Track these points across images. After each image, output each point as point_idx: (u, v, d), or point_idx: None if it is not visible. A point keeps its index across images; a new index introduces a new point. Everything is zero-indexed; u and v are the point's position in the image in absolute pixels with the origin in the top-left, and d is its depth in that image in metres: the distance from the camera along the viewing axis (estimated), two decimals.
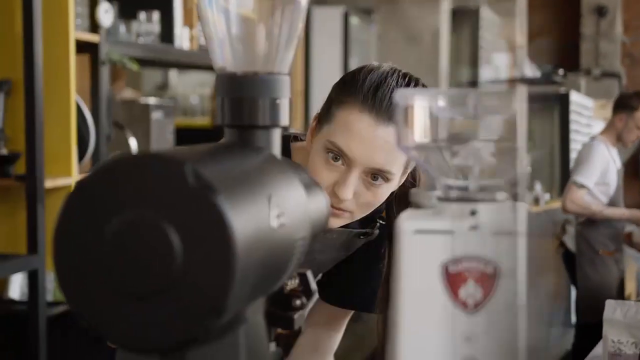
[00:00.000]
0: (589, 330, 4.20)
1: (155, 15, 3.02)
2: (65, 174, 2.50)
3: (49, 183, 2.40)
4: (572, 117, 6.79)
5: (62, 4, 2.46)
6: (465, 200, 0.70)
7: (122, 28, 2.92)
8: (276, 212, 0.70)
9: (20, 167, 2.39)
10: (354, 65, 6.10)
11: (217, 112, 0.83)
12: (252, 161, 0.75)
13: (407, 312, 0.69)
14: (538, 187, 6.17)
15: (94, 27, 2.65)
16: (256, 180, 0.70)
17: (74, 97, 2.49)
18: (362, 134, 1.23)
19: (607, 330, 1.91)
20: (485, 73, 5.15)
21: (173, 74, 5.78)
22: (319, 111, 1.33)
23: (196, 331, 0.62)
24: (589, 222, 4.27)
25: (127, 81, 3.82)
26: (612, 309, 2.00)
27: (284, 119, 0.83)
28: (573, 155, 6.99)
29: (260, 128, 0.81)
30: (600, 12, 9.18)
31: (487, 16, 7.42)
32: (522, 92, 0.68)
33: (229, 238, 0.60)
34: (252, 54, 0.83)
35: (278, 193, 0.72)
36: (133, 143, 2.92)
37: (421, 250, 0.69)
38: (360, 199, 1.26)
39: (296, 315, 0.84)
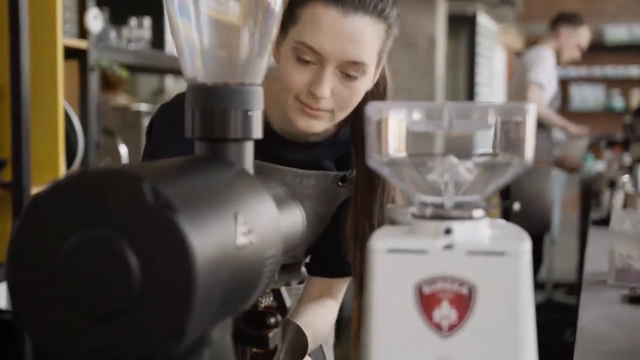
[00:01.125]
0: None
1: (146, 21, 2.99)
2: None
3: (35, 191, 2.36)
4: (478, 39, 6.93)
5: (50, 9, 2.43)
6: (440, 217, 0.68)
7: (113, 34, 2.89)
8: (243, 229, 0.67)
9: (6, 175, 2.36)
10: None
11: (187, 124, 0.80)
12: (220, 176, 0.72)
13: (379, 334, 0.66)
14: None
15: (83, 33, 2.62)
16: (222, 197, 0.67)
17: (62, 103, 2.46)
18: (330, 27, 1.20)
19: (614, 243, 1.78)
20: None
21: (169, 80, 5.76)
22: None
23: (156, 355, 0.59)
24: None
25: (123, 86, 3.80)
26: (620, 220, 1.86)
27: (257, 131, 0.80)
28: (479, 79, 7.19)
29: (231, 141, 0.78)
30: None
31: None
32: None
33: (188, 258, 0.58)
34: (223, 64, 0.80)
35: (246, 210, 0.69)
36: (123, 150, 2.89)
37: (394, 270, 0.66)
38: (338, 97, 1.23)
39: (271, 334, 0.81)
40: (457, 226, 0.67)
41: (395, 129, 0.69)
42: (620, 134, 5.50)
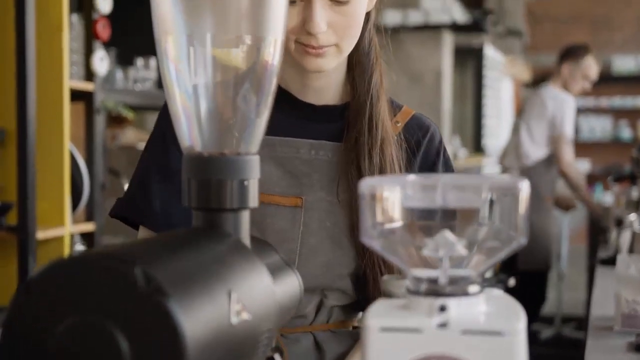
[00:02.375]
0: (527, 278, 4.22)
1: (153, 61, 3.01)
2: (59, 224, 2.47)
3: (41, 234, 2.37)
4: (485, 71, 6.97)
5: (57, 52, 2.45)
6: (434, 294, 0.67)
7: (119, 74, 2.91)
8: (237, 307, 0.67)
9: (12, 218, 2.36)
10: None
11: (184, 193, 0.80)
12: (214, 250, 0.72)
13: None
14: (457, 141, 6.26)
15: (90, 75, 2.64)
16: (216, 275, 0.67)
17: (68, 146, 2.48)
18: None
19: (620, 288, 1.74)
20: (415, 15, 5.20)
21: None
22: None
23: None
24: (536, 169, 4.36)
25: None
26: (625, 265, 1.83)
27: (253, 200, 0.80)
28: (486, 111, 7.22)
29: (227, 211, 0.78)
30: None
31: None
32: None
33: (180, 344, 0.57)
34: (220, 133, 0.80)
35: (240, 286, 0.69)
36: None
37: (389, 349, 0.66)
38: (336, 27, 1.15)
39: None
40: (452, 303, 0.66)
41: (388, 204, 0.69)
42: (628, 165, 5.50)
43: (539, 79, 10.01)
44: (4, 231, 2.35)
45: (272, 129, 1.25)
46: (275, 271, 0.79)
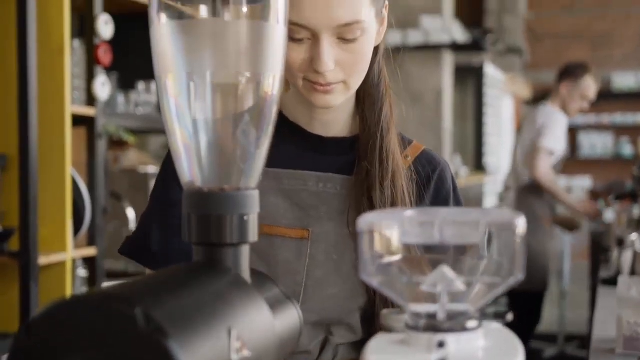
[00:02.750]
0: (524, 299, 4.19)
1: (154, 85, 3.03)
2: (61, 250, 2.47)
3: (43, 260, 2.37)
4: (486, 89, 6.99)
5: (59, 77, 2.47)
6: (433, 329, 0.68)
7: (121, 98, 2.93)
8: (237, 344, 0.67)
9: (14, 243, 2.37)
10: None
11: (184, 229, 0.81)
12: (213, 288, 0.72)
13: None
14: (458, 160, 6.27)
15: (91, 100, 2.65)
16: (216, 312, 0.68)
17: (70, 171, 2.49)
18: None
19: (621, 310, 1.73)
20: (415, 35, 5.20)
21: None
22: None
23: None
24: (531, 189, 4.33)
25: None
26: (627, 287, 1.82)
27: (253, 234, 0.81)
28: (487, 129, 7.22)
29: (227, 246, 0.79)
30: None
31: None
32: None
33: None
34: (220, 168, 0.81)
35: (240, 322, 0.69)
36: (131, 214, 2.90)
37: None
38: (344, 65, 1.14)
39: None
40: (450, 339, 0.67)
41: (386, 240, 0.69)
42: (629, 181, 5.49)
43: (540, 96, 10.04)
44: (6, 257, 2.35)
45: (280, 161, 1.25)
46: (275, 305, 0.79)
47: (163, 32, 0.78)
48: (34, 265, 2.30)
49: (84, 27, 2.71)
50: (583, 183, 10.17)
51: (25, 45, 2.34)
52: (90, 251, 2.68)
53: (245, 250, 0.80)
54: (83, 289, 2.81)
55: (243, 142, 0.82)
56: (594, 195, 9.95)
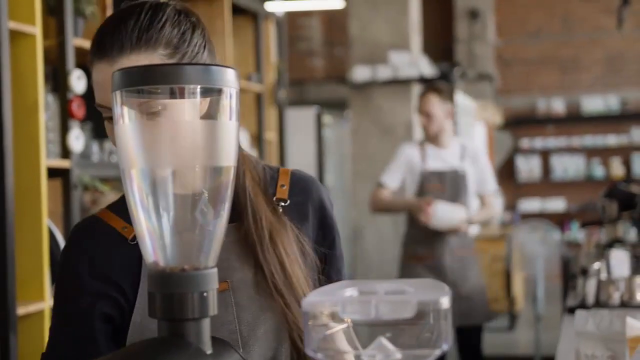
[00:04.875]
0: (465, 334, 4.15)
1: None
2: (39, 299, 2.54)
3: (21, 310, 2.43)
4: (457, 118, 7.12)
5: (34, 132, 2.54)
6: None
7: (95, 147, 3.00)
8: None
9: None
10: (329, 162, 6.24)
11: (150, 306, 0.89)
12: None
13: None
14: None
15: (66, 152, 2.73)
16: None
17: (46, 222, 2.55)
18: (103, 79, 1.17)
19: (579, 343, 1.79)
20: (384, 71, 5.23)
21: None
22: None
23: None
24: (408, 232, 4.14)
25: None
26: (584, 320, 1.89)
27: (213, 308, 0.89)
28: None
29: (189, 321, 0.87)
30: (473, 15, 9.53)
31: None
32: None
33: None
34: (181, 250, 0.90)
35: None
36: None
37: None
38: None
39: None
40: None
41: (328, 318, 0.78)
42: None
43: (512, 121, 10.26)
44: None
45: None
46: None
47: (126, 130, 0.87)
48: (12, 316, 2.36)
49: (57, 82, 2.79)
50: (557, 205, 10.34)
51: (1, 101, 2.42)
52: None
53: (205, 323, 0.89)
54: None
55: (201, 224, 0.91)
56: (566, 217, 10.11)
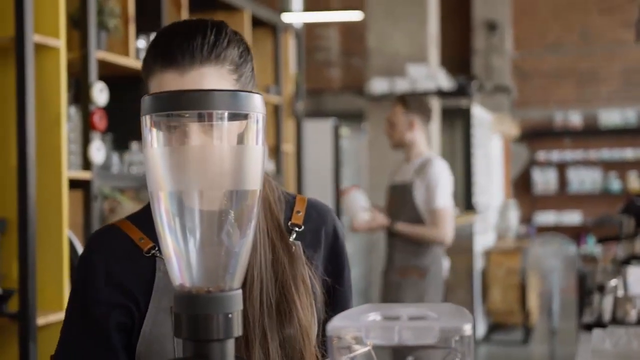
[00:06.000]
0: None
1: None
2: (59, 309, 2.56)
3: (41, 320, 2.46)
4: (473, 131, 7.11)
5: (56, 144, 2.57)
6: None
7: (115, 159, 3.03)
8: None
9: (13, 305, 2.46)
10: (346, 174, 6.26)
11: (176, 326, 0.91)
12: None
13: None
14: None
15: (87, 163, 2.76)
16: None
17: (67, 233, 2.58)
18: (169, 88, 1.20)
19: None
20: (402, 84, 5.24)
21: None
22: None
23: None
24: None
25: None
26: (601, 339, 1.89)
27: (237, 329, 0.91)
28: (476, 169, 7.33)
29: (214, 342, 0.89)
30: (491, 27, 9.50)
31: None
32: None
33: None
34: (207, 272, 0.91)
35: None
36: None
37: None
38: None
39: None
40: None
41: (352, 342, 0.79)
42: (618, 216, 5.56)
43: (529, 134, 10.24)
44: (5, 318, 2.44)
45: None
46: None
47: (155, 155, 0.89)
48: (32, 326, 2.39)
49: (79, 95, 2.83)
50: (573, 218, 10.29)
51: (24, 113, 2.45)
52: None
53: (230, 344, 0.90)
54: None
55: (228, 244, 0.93)
56: (583, 230, 10.07)
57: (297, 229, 1.33)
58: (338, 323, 0.79)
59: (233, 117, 0.90)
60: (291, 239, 1.31)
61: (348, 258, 1.40)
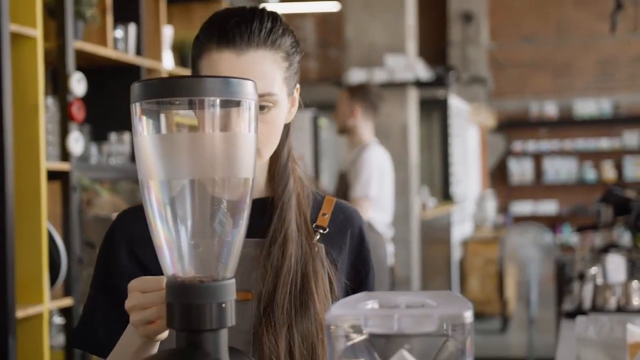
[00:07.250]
0: None
1: (126, 136, 3.10)
2: (37, 302, 2.53)
3: (20, 313, 2.43)
4: (450, 121, 7.16)
5: (34, 134, 2.54)
6: None
7: (94, 150, 3.00)
8: None
9: None
10: (325, 165, 6.26)
11: (168, 317, 0.89)
12: None
13: None
14: (425, 191, 6.40)
15: (65, 154, 2.72)
16: None
17: (45, 225, 2.55)
18: (227, 69, 1.19)
19: (580, 350, 1.80)
20: (380, 74, 5.30)
21: None
22: None
23: None
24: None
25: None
26: (585, 326, 1.89)
27: (231, 319, 0.89)
28: (453, 159, 7.39)
29: (207, 331, 0.87)
30: (467, 18, 9.56)
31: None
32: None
33: None
34: (199, 261, 0.90)
35: None
36: None
37: None
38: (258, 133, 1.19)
39: None
40: None
41: (351, 330, 0.78)
42: (593, 205, 5.61)
43: (505, 124, 10.28)
44: None
45: None
46: None
47: (145, 143, 0.87)
48: (11, 319, 2.36)
49: (57, 85, 2.79)
50: (549, 208, 10.37)
51: (1, 103, 2.41)
52: (67, 301, 2.74)
53: (223, 334, 0.89)
54: (60, 338, 2.86)
55: (220, 233, 0.91)
56: (559, 219, 10.15)
57: (321, 231, 1.32)
58: (336, 311, 0.78)
59: (224, 104, 0.89)
60: (315, 240, 1.30)
61: (373, 260, 1.39)
